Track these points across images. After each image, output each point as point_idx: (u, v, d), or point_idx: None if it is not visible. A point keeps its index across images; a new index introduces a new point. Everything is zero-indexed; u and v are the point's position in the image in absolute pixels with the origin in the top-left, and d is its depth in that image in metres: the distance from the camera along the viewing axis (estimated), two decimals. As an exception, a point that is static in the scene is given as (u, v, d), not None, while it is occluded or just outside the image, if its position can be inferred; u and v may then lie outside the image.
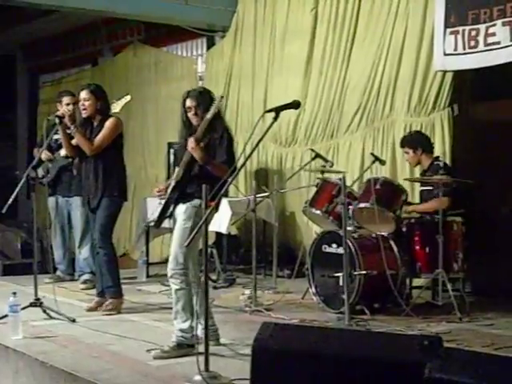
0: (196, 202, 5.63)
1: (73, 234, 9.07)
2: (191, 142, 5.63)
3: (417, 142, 7.72)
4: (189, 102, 5.81)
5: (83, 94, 7.20)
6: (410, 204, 7.67)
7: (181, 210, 5.74)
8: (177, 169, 5.85)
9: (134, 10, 10.74)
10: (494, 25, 7.46)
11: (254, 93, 10.71)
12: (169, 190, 5.80)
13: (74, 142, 7.47)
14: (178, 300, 5.65)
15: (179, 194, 5.75)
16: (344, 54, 9.45)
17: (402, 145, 7.84)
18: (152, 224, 5.82)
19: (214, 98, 5.82)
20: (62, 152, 8.46)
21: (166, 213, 5.85)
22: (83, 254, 8.79)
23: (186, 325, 5.61)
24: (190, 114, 5.80)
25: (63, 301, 7.74)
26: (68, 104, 8.43)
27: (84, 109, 7.18)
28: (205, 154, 5.66)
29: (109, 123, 7.15)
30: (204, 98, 5.83)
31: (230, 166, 5.63)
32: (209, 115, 5.64)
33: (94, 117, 7.21)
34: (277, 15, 10.42)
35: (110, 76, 12.91)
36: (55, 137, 8.40)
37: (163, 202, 5.80)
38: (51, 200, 9.00)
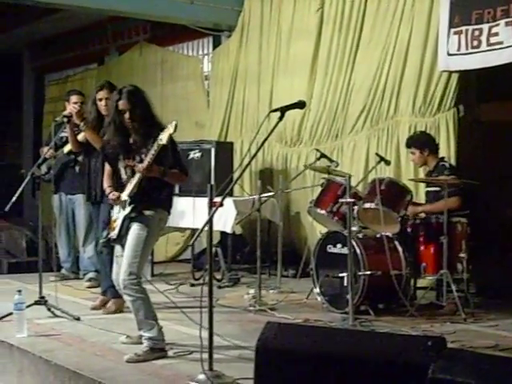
0: (148, 212, 5.55)
1: (77, 233, 9.08)
2: (143, 168, 5.43)
3: (424, 142, 7.70)
4: (122, 105, 5.57)
5: (106, 94, 7.13)
6: (417, 204, 7.65)
7: (133, 220, 5.60)
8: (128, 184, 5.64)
9: (141, 9, 10.75)
10: (498, 25, 7.46)
11: (259, 92, 10.71)
12: (120, 205, 5.64)
13: (79, 137, 7.48)
14: (137, 311, 5.55)
15: (133, 209, 5.58)
16: (349, 54, 9.44)
17: (409, 145, 7.80)
18: (111, 241, 5.70)
19: (146, 98, 5.67)
20: (66, 149, 8.48)
21: (123, 230, 5.64)
22: (87, 252, 8.81)
23: (153, 332, 5.53)
24: (125, 117, 5.57)
25: (68, 299, 7.78)
26: (75, 103, 8.43)
27: (106, 105, 7.17)
28: (159, 170, 5.48)
29: None
30: (137, 98, 5.63)
31: (183, 169, 5.65)
32: (164, 141, 5.35)
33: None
34: (283, 15, 10.42)
35: (115, 75, 12.91)
36: (61, 135, 8.41)
37: (120, 215, 5.64)
38: (55, 198, 9.03)
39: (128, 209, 5.57)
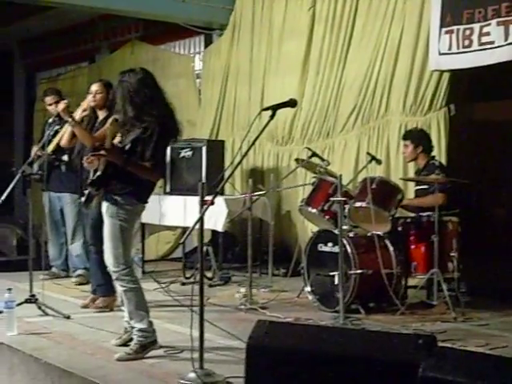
0: (115, 199, 5.45)
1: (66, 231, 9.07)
2: (103, 152, 5.39)
3: (420, 139, 7.73)
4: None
5: (96, 87, 7.25)
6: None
7: (103, 209, 5.55)
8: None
9: (132, 7, 10.74)
10: (489, 24, 7.48)
11: (250, 91, 10.71)
12: (91, 178, 5.52)
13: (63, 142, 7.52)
14: (129, 301, 5.54)
15: (103, 187, 5.49)
16: (341, 53, 9.45)
17: (405, 137, 7.82)
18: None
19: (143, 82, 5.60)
20: (49, 148, 8.46)
21: (91, 197, 5.64)
22: (75, 250, 8.80)
23: (144, 323, 5.52)
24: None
25: (58, 297, 7.76)
26: (50, 104, 8.49)
27: (94, 100, 7.21)
28: (119, 157, 5.41)
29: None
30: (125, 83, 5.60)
31: (157, 164, 5.49)
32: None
33: (101, 109, 7.24)
34: (274, 14, 10.42)
35: (107, 73, 12.84)
36: (51, 133, 8.38)
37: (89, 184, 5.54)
38: (45, 195, 9.03)
39: (90, 184, 5.50)
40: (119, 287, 5.59)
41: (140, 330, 5.51)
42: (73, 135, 7.46)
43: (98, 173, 5.46)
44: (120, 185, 5.47)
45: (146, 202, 5.71)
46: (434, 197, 7.18)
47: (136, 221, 5.84)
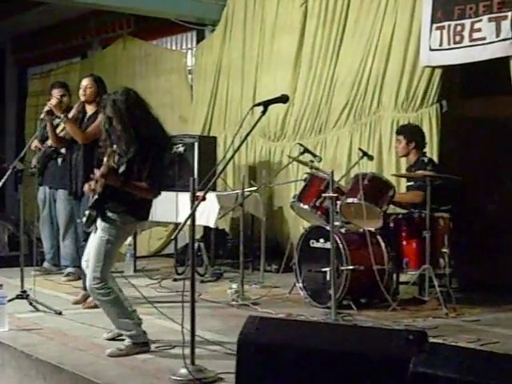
0: (111, 214, 5.45)
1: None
2: (100, 178, 5.36)
3: (414, 134, 7.76)
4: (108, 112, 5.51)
5: (86, 81, 7.24)
6: None
7: (98, 224, 5.54)
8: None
9: (124, 3, 10.71)
10: (480, 20, 7.49)
11: (243, 87, 10.70)
12: (91, 202, 5.54)
13: (61, 133, 7.46)
14: (108, 313, 5.57)
15: (99, 209, 5.49)
16: (333, 49, 9.44)
17: (398, 132, 7.85)
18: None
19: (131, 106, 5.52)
20: (49, 142, 8.45)
21: (92, 219, 5.56)
22: (66, 247, 8.79)
23: (130, 330, 5.51)
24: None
25: (50, 293, 7.76)
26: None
27: (84, 95, 7.20)
28: (118, 180, 5.38)
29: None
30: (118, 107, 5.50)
31: (154, 183, 5.46)
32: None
33: (90, 104, 7.22)
34: (266, 10, 10.41)
35: (99, 69, 12.83)
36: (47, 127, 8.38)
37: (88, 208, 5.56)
38: (40, 190, 9.01)
39: (89, 208, 5.51)
40: (96, 301, 5.62)
41: (129, 336, 5.52)
42: (55, 135, 7.44)
43: (96, 196, 5.47)
44: (115, 203, 5.46)
45: (146, 219, 5.74)
46: (413, 194, 7.25)
47: (126, 239, 5.89)
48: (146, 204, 5.66)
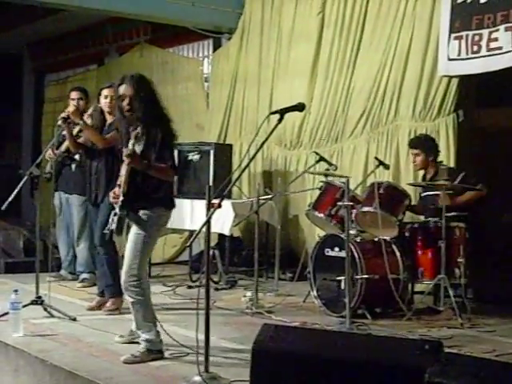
0: (143, 212, 5.47)
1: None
2: (126, 158, 5.37)
3: (431, 147, 7.69)
4: (123, 90, 5.52)
5: (110, 92, 7.13)
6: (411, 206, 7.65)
7: (133, 224, 5.56)
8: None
9: (141, 11, 10.74)
10: (497, 30, 7.46)
11: (259, 95, 10.71)
12: (119, 204, 5.50)
13: (81, 139, 7.46)
14: (136, 312, 5.56)
15: (129, 209, 5.50)
16: (350, 58, 9.44)
17: (415, 146, 7.75)
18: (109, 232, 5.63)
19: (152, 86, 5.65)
20: (63, 147, 8.47)
21: (122, 223, 5.58)
22: (81, 252, 8.80)
23: (151, 334, 5.52)
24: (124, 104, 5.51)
25: (65, 299, 7.77)
26: (73, 99, 8.48)
27: (109, 106, 7.18)
28: (142, 162, 5.40)
29: None
30: (140, 84, 5.57)
31: (173, 164, 5.52)
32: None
33: (110, 114, 7.21)
34: (283, 18, 10.42)
35: (115, 76, 12.68)
36: (63, 133, 8.39)
37: (117, 210, 5.52)
38: (56, 195, 9.03)
39: (119, 209, 5.49)
40: (128, 298, 5.59)
41: (147, 340, 5.52)
42: (74, 141, 7.43)
43: (121, 197, 5.47)
44: (144, 200, 5.49)
45: (174, 207, 5.71)
46: (470, 194, 7.24)
47: (160, 233, 5.83)
48: (169, 190, 5.69)
